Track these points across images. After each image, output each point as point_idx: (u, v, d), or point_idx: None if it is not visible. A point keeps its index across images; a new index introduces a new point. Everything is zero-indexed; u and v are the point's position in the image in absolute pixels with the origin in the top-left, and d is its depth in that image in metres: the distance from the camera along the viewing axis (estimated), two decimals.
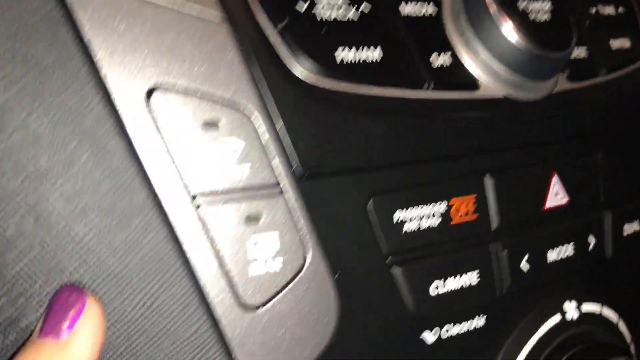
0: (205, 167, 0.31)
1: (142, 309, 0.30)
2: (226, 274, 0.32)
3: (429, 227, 0.38)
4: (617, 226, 0.47)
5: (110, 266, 0.30)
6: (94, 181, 0.30)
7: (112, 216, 0.30)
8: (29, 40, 0.28)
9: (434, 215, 0.38)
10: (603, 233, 0.46)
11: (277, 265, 0.33)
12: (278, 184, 0.33)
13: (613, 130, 0.47)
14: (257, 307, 0.33)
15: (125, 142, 0.30)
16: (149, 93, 0.30)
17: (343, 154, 0.35)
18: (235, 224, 0.32)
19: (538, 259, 0.42)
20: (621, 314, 0.47)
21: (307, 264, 0.34)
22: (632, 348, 0.48)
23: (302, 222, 0.34)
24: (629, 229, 0.48)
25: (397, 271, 0.36)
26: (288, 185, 0.33)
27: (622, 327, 0.47)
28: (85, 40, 0.29)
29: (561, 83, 0.45)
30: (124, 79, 0.30)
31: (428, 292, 0.37)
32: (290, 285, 0.33)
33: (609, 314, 0.46)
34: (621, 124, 0.48)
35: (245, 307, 0.33)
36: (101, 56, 0.29)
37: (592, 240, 0.45)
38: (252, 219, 0.32)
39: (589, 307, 0.44)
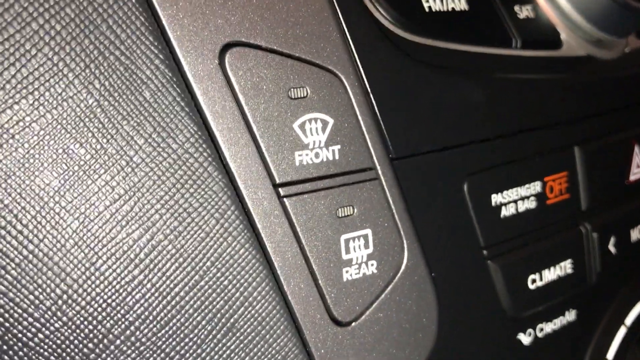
0: (290, 148, 0.24)
1: (218, 332, 0.23)
2: (315, 281, 0.25)
3: (525, 210, 0.32)
4: None
5: (177, 281, 0.23)
6: (157, 170, 0.22)
7: (179, 217, 0.22)
8: None
9: (530, 197, 0.32)
10: None
11: (372, 267, 0.27)
12: (372, 168, 0.26)
13: None
14: (351, 322, 0.26)
15: (196, 118, 0.22)
16: (223, 51, 0.23)
17: (436, 127, 0.29)
18: (325, 219, 0.25)
19: (624, 240, 0.37)
20: None
21: (405, 263, 0.27)
22: None
23: (400, 213, 0.27)
24: None
25: (493, 266, 0.31)
26: (383, 168, 0.26)
27: None
28: None
29: (632, 41, 0.40)
30: (193, 34, 0.22)
31: (527, 287, 0.32)
32: (387, 291, 0.27)
33: None
34: None
35: (337, 321, 0.26)
36: (163, 3, 0.22)
37: None
38: (344, 212, 0.26)
39: None
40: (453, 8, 0.30)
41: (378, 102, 0.26)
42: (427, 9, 0.29)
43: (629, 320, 0.37)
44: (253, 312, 0.24)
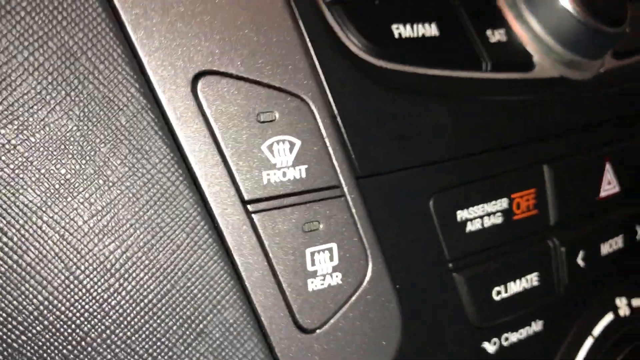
0: (259, 168, 0.26)
1: (188, 336, 0.25)
2: (282, 290, 0.27)
3: (491, 225, 0.33)
4: None
5: (150, 290, 0.25)
6: (130, 190, 0.24)
7: (152, 232, 0.25)
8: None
9: (496, 213, 0.34)
10: None
11: (334, 278, 0.28)
12: (338, 185, 0.28)
13: None
14: (316, 329, 0.28)
15: (168, 140, 0.24)
16: (196, 79, 0.25)
17: (403, 147, 0.30)
18: (292, 234, 0.27)
19: (593, 254, 0.39)
20: None
21: (369, 275, 0.29)
22: None
23: (364, 228, 0.29)
24: None
25: (459, 277, 0.32)
26: (349, 187, 0.28)
27: None
28: (121, 17, 0.23)
29: (608, 61, 0.41)
30: (167, 63, 0.24)
31: (491, 298, 0.34)
32: (351, 301, 0.29)
33: None
34: None
35: (302, 328, 0.28)
36: (139, 37, 0.24)
37: (639, 230, 0.42)
38: (310, 227, 0.28)
39: (637, 302, 0.42)
40: (423, 34, 0.32)
41: (345, 125, 0.28)
42: (397, 36, 0.31)
43: (597, 331, 0.39)
44: (221, 318, 0.26)
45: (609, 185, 0.39)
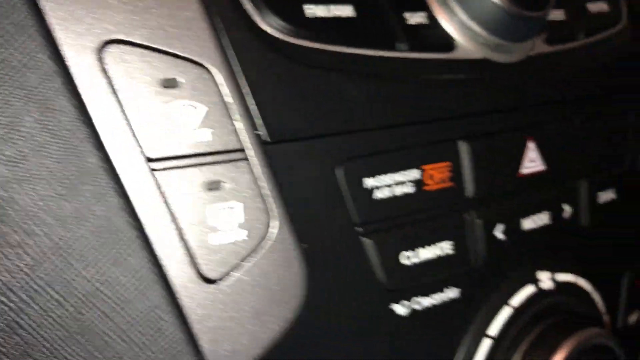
0: (163, 129, 0.29)
1: (94, 283, 0.28)
2: (185, 243, 0.30)
3: (401, 194, 0.36)
4: (592, 194, 0.45)
5: (58, 237, 0.28)
6: (40, 144, 0.27)
7: (61, 183, 0.27)
8: None
9: (406, 182, 0.36)
10: (578, 201, 0.44)
11: (239, 234, 0.31)
12: (242, 149, 0.31)
13: (590, 96, 0.46)
14: (218, 280, 0.31)
15: (75, 101, 0.27)
16: (102, 47, 0.28)
17: (312, 117, 0.33)
18: (195, 191, 0.30)
19: (513, 228, 0.40)
20: (596, 285, 0.46)
21: (272, 234, 0.32)
22: (606, 319, 0.48)
23: (268, 190, 0.32)
24: (603, 197, 0.47)
25: (367, 241, 0.35)
26: (253, 151, 0.31)
27: (597, 297, 0.46)
28: None
29: (539, 46, 0.43)
30: (75, 31, 0.27)
31: (399, 262, 0.36)
32: (253, 256, 0.32)
33: (584, 284, 0.45)
34: (598, 90, 0.46)
35: (206, 279, 0.31)
36: (48, 6, 0.27)
37: (567, 209, 0.44)
38: (213, 186, 0.30)
39: (564, 277, 0.43)
40: (338, 15, 0.35)
41: (250, 94, 0.31)
42: (308, 15, 0.34)
43: (515, 301, 0.40)
44: (127, 267, 0.29)
45: (532, 163, 0.41)
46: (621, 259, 0.50)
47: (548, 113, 0.42)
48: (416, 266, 0.36)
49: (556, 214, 0.43)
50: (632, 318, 0.53)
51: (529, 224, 0.41)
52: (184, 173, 0.30)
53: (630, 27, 0.51)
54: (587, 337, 0.39)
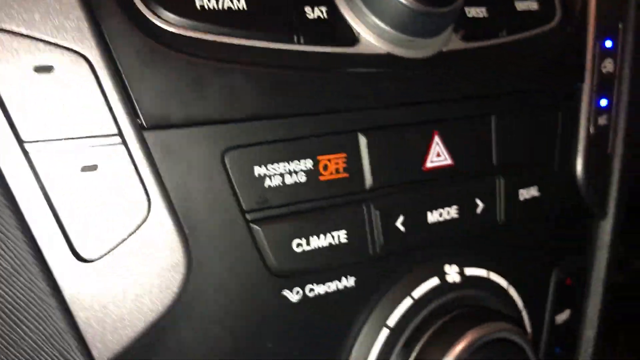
0: (39, 113, 0.30)
1: None
2: (60, 224, 0.31)
3: (294, 183, 0.37)
4: (511, 191, 0.46)
5: None
6: None
7: None
8: None
9: (299, 172, 0.37)
10: (494, 197, 0.45)
11: (115, 216, 0.32)
12: (118, 134, 0.32)
13: (508, 94, 0.46)
14: (95, 260, 0.32)
15: None
16: None
17: (195, 105, 0.34)
18: (71, 173, 0.31)
19: (416, 220, 0.41)
20: (513, 281, 0.46)
21: (149, 217, 0.33)
22: (525, 315, 0.48)
23: (146, 174, 0.33)
24: (525, 194, 0.47)
25: (256, 228, 0.36)
26: (130, 136, 0.32)
27: (513, 293, 0.46)
28: None
29: (453, 42, 0.44)
30: None
31: (291, 249, 0.37)
32: (131, 238, 0.33)
33: (498, 280, 0.45)
34: (517, 88, 0.47)
35: (82, 259, 0.32)
36: None
37: (480, 204, 0.44)
38: (89, 168, 0.31)
39: (474, 271, 0.44)
40: (230, 7, 0.36)
41: (127, 80, 0.32)
42: (199, 8, 0.35)
43: (417, 293, 0.41)
44: (2, 247, 0.30)
45: (438, 157, 0.42)
46: (546, 256, 0.50)
47: (458, 109, 0.43)
48: (307, 253, 0.37)
49: (467, 208, 0.43)
50: (562, 317, 0.53)
51: (435, 217, 0.42)
52: (60, 156, 0.31)
53: (567, 25, 0.52)
54: (489, 331, 0.39)
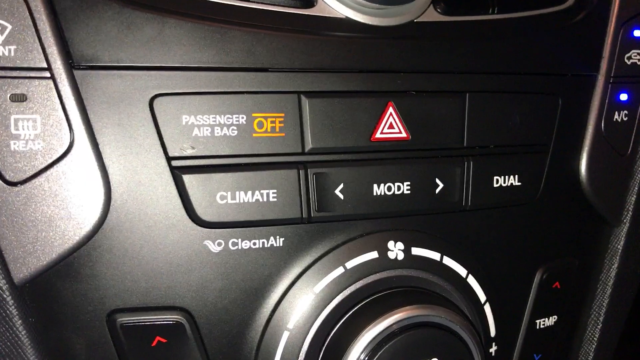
0: None
1: None
2: None
3: (224, 135, 0.37)
4: (482, 176, 0.44)
5: None
6: None
7: None
8: None
9: (230, 126, 0.37)
10: (459, 180, 0.43)
11: (39, 145, 0.35)
12: (48, 69, 0.34)
13: (492, 74, 0.44)
14: (19, 183, 0.35)
15: None
16: None
17: (126, 48, 0.35)
18: (1, 101, 0.34)
19: (359, 190, 0.40)
20: (472, 270, 0.44)
21: (72, 151, 0.35)
22: (488, 309, 0.45)
23: (72, 110, 0.35)
24: (501, 181, 0.44)
25: (181, 175, 0.37)
26: (59, 72, 0.34)
27: (474, 283, 0.44)
28: None
29: (429, 13, 0.42)
30: None
31: (215, 201, 0.37)
32: (54, 167, 0.35)
33: (455, 266, 0.43)
34: (506, 69, 0.44)
35: (7, 181, 0.34)
36: None
37: (440, 184, 0.42)
38: (18, 98, 0.34)
39: (422, 252, 0.42)
40: None
41: (62, 20, 0.34)
42: None
43: (351, 264, 0.40)
44: None
45: (391, 129, 0.41)
46: (527, 254, 0.47)
47: (424, 82, 0.41)
48: (232, 207, 0.38)
49: (423, 187, 0.42)
50: (545, 322, 0.49)
51: (382, 190, 0.41)
52: None
53: (583, 8, 0.48)
54: (415, 314, 0.38)
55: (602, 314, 0.53)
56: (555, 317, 0.49)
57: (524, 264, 0.47)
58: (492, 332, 0.45)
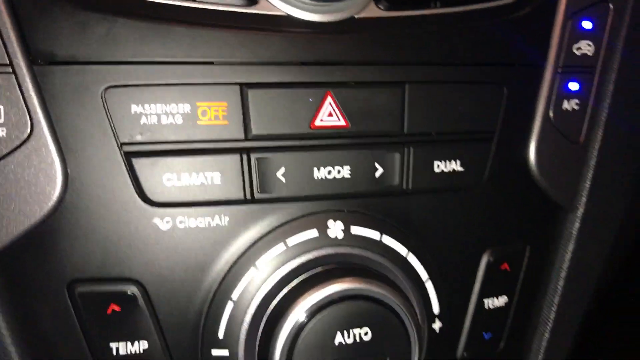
0: None
1: None
2: None
3: (170, 123, 0.41)
4: (423, 161, 0.46)
5: None
6: None
7: None
8: None
9: (175, 114, 0.41)
10: (398, 164, 0.46)
11: (3, 132, 0.39)
12: (10, 64, 0.39)
13: (431, 65, 0.46)
14: None
15: None
16: None
17: (79, 46, 0.40)
18: None
19: (300, 174, 0.43)
20: (413, 249, 0.47)
21: (32, 138, 0.39)
22: (430, 286, 0.48)
23: (31, 102, 0.39)
24: (443, 167, 0.47)
25: (131, 159, 0.41)
26: (20, 68, 0.39)
27: (414, 261, 0.47)
28: None
29: (370, 9, 0.45)
30: None
31: (161, 182, 0.41)
32: (16, 152, 0.39)
33: (394, 245, 0.46)
34: (448, 60, 0.47)
35: None
36: None
37: (379, 169, 0.45)
38: None
39: (361, 231, 0.45)
40: None
41: (22, 21, 0.39)
42: None
43: (291, 241, 0.44)
44: None
45: (330, 117, 0.44)
46: (473, 236, 0.49)
47: (361, 74, 0.44)
48: (178, 189, 0.42)
49: (362, 171, 0.45)
50: (495, 302, 0.52)
51: (322, 173, 0.44)
52: None
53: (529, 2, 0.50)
54: (347, 287, 0.41)
55: (556, 296, 0.54)
56: (505, 297, 0.52)
57: (470, 246, 0.49)
58: (436, 310, 0.48)
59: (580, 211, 0.54)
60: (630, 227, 0.59)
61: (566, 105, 0.51)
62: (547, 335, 0.55)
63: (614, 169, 0.54)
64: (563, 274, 0.54)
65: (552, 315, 0.55)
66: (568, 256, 0.54)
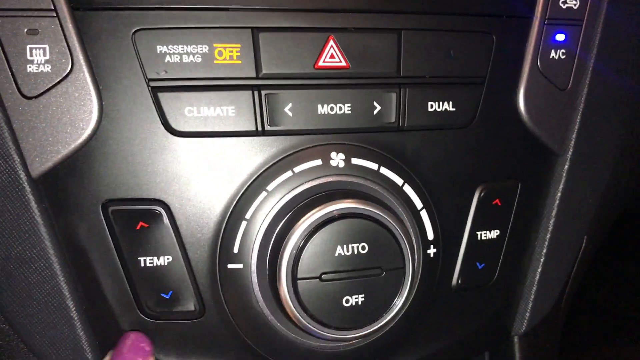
0: None
1: None
2: (12, 71, 0.45)
3: (190, 62, 0.47)
4: (418, 101, 0.51)
5: None
6: None
7: None
8: None
9: (195, 54, 0.47)
10: (394, 103, 0.51)
11: (48, 68, 0.46)
12: (53, 9, 0.45)
13: (425, 14, 0.51)
14: (33, 97, 0.46)
15: None
16: None
17: None
18: (19, 34, 0.45)
19: (305, 109, 0.49)
20: (408, 180, 0.52)
21: (72, 73, 0.46)
22: (425, 214, 0.53)
23: (72, 42, 0.46)
24: (436, 106, 0.52)
25: (157, 93, 0.47)
26: (62, 12, 0.45)
27: (409, 191, 0.52)
28: None
29: None
30: None
31: (184, 114, 0.47)
32: (59, 85, 0.46)
33: (391, 175, 0.51)
34: (425, 8, 0.52)
35: (25, 96, 0.46)
36: None
37: (377, 107, 0.51)
38: (32, 32, 0.45)
39: (361, 162, 0.50)
40: None
41: None
42: None
43: (298, 168, 0.49)
44: None
45: (332, 59, 0.49)
46: (466, 172, 0.54)
47: (362, 20, 0.50)
48: (198, 119, 0.48)
49: (362, 108, 0.50)
50: (487, 235, 0.56)
51: (325, 109, 0.49)
52: (11, 21, 0.45)
53: None
54: (350, 206, 0.47)
55: (548, 233, 0.59)
56: (498, 231, 0.56)
57: (463, 181, 0.54)
58: (430, 236, 0.53)
59: (569, 153, 0.58)
60: (623, 169, 0.63)
61: (553, 54, 0.56)
62: (540, 268, 0.59)
63: (602, 114, 0.58)
64: (553, 212, 0.59)
65: (544, 251, 0.59)
66: (558, 195, 0.59)
